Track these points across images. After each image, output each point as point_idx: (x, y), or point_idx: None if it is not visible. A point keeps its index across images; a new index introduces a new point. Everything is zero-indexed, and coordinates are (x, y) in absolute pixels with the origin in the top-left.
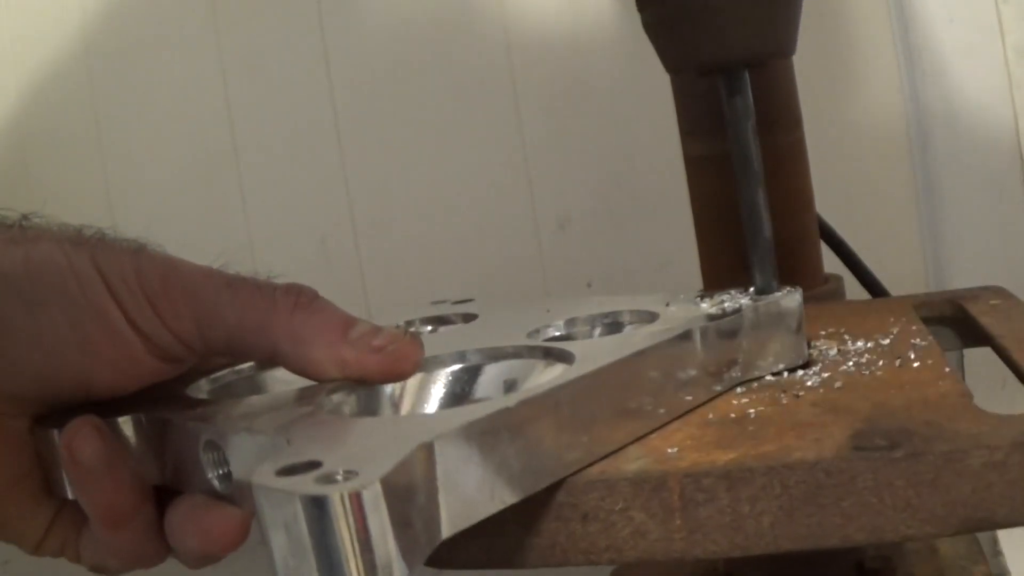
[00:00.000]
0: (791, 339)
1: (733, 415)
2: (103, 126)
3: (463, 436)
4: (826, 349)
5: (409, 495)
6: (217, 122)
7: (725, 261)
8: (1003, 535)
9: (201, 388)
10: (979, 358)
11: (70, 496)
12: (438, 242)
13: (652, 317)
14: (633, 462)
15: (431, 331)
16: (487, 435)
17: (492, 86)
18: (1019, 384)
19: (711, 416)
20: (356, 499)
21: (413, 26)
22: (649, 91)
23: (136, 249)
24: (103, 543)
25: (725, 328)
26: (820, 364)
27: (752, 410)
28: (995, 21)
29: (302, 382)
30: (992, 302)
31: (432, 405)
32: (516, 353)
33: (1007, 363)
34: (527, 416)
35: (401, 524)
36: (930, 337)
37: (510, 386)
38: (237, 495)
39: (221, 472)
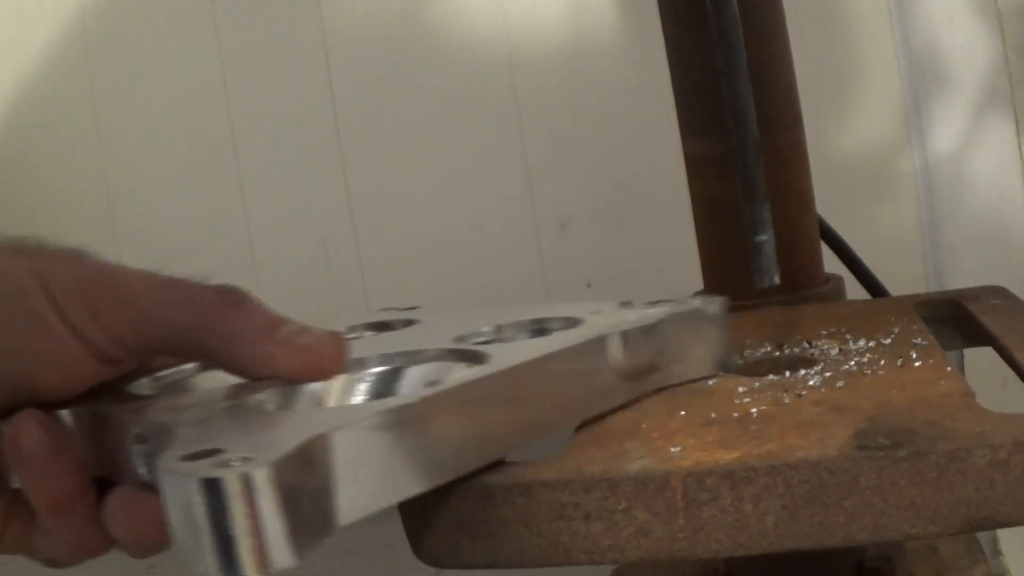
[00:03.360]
0: (713, 348)
1: (736, 414)
2: (103, 123)
3: (365, 428)
4: (828, 349)
5: (301, 481)
6: (217, 122)
7: (725, 261)
8: (1003, 535)
9: (144, 386)
10: (980, 358)
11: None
12: (438, 242)
13: (577, 324)
14: (636, 461)
15: (373, 336)
16: (390, 428)
17: (492, 87)
18: (1020, 383)
19: (713, 415)
20: (246, 481)
21: (413, 28)
22: (649, 92)
23: (74, 256)
24: (49, 533)
25: (638, 335)
26: (822, 363)
27: (755, 409)
28: (995, 21)
29: (239, 381)
30: (993, 302)
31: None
32: (435, 356)
33: (1008, 362)
34: (430, 411)
35: (292, 508)
36: (931, 337)
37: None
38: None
39: (149, 463)
